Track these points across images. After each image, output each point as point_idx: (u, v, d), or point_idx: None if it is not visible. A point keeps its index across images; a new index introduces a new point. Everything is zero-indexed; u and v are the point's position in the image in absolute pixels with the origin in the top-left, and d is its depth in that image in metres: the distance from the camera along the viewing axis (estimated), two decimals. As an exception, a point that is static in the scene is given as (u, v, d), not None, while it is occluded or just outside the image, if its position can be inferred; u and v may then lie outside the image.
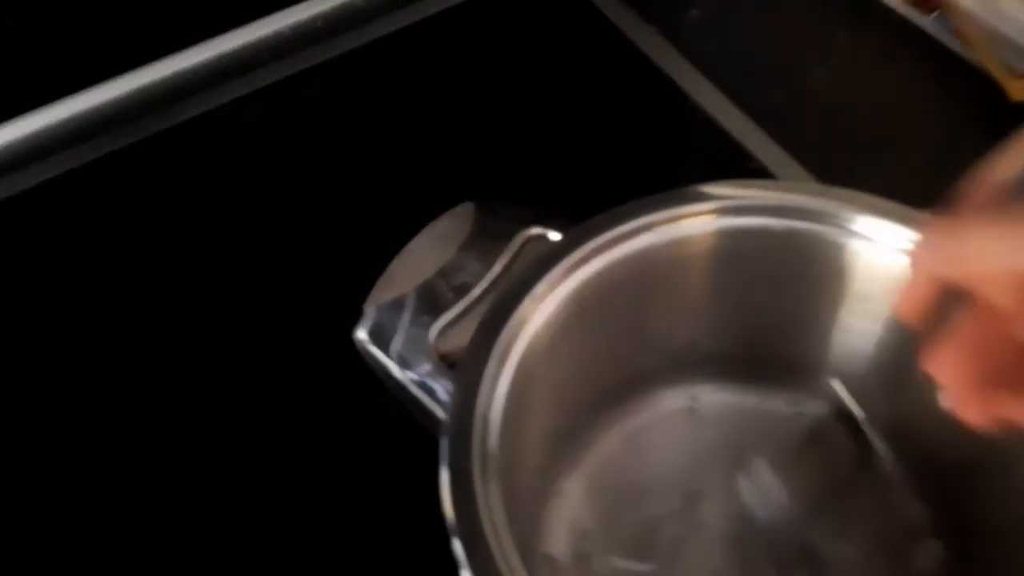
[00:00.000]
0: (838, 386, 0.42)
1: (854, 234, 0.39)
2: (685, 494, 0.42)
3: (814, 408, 0.43)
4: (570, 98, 0.59)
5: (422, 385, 0.39)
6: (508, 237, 0.41)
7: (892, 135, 0.58)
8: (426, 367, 0.39)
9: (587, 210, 0.40)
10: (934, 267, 0.32)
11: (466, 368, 0.36)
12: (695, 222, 0.39)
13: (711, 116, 0.58)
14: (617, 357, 0.42)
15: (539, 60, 0.61)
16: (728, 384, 0.44)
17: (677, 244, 0.40)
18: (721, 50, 0.62)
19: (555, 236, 0.41)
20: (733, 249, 0.40)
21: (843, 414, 0.42)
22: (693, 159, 0.57)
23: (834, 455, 0.42)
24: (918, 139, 0.57)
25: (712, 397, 0.44)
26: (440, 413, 0.38)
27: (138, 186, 0.58)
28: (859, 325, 0.41)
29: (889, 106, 0.59)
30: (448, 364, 0.38)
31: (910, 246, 0.39)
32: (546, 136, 0.57)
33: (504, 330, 0.37)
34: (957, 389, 0.32)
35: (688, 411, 0.44)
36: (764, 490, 0.42)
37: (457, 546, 0.32)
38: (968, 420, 0.33)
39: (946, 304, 0.32)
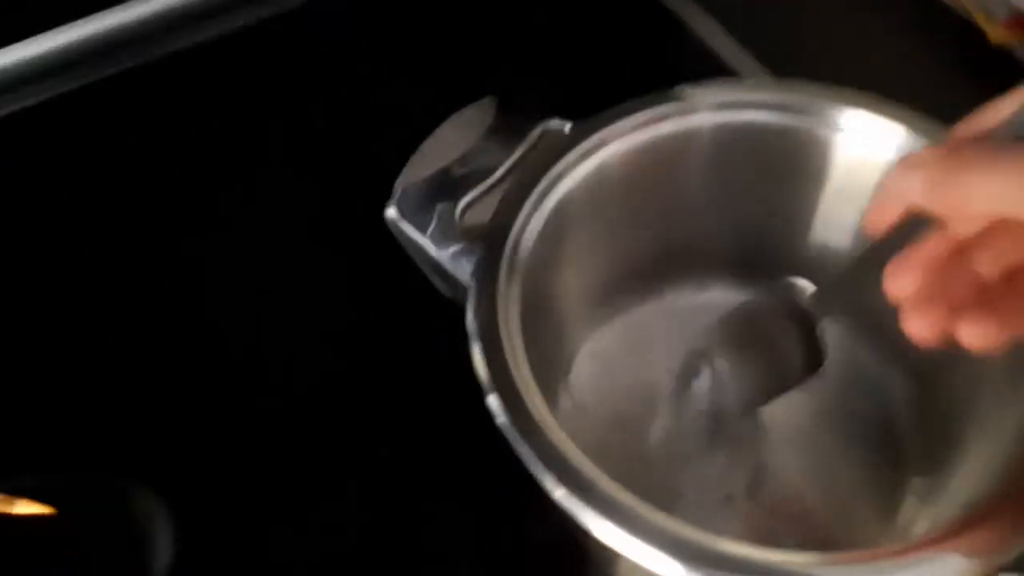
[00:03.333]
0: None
1: (839, 129, 0.43)
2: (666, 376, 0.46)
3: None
4: (582, 21, 0.63)
5: (447, 256, 0.42)
6: (526, 128, 0.44)
7: (878, 74, 0.61)
8: (452, 239, 0.42)
9: (593, 110, 0.44)
10: (921, 196, 0.31)
11: (491, 236, 0.40)
12: (693, 118, 0.43)
13: (702, 37, 0.62)
14: (620, 247, 0.46)
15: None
16: (718, 279, 0.48)
17: (675, 138, 0.43)
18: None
19: (568, 129, 0.44)
20: (728, 143, 0.44)
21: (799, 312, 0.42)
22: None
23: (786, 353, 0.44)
24: (904, 79, 0.61)
25: (700, 292, 0.48)
26: (464, 280, 0.41)
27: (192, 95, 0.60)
28: (840, 217, 0.45)
29: (877, 47, 0.63)
30: (472, 239, 0.42)
31: (891, 141, 0.42)
32: (557, 46, 0.61)
33: (523, 207, 0.41)
34: (910, 304, 0.34)
35: (680, 306, 0.48)
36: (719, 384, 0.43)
37: (493, 400, 0.36)
38: (912, 333, 0.34)
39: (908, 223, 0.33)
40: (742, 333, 0.42)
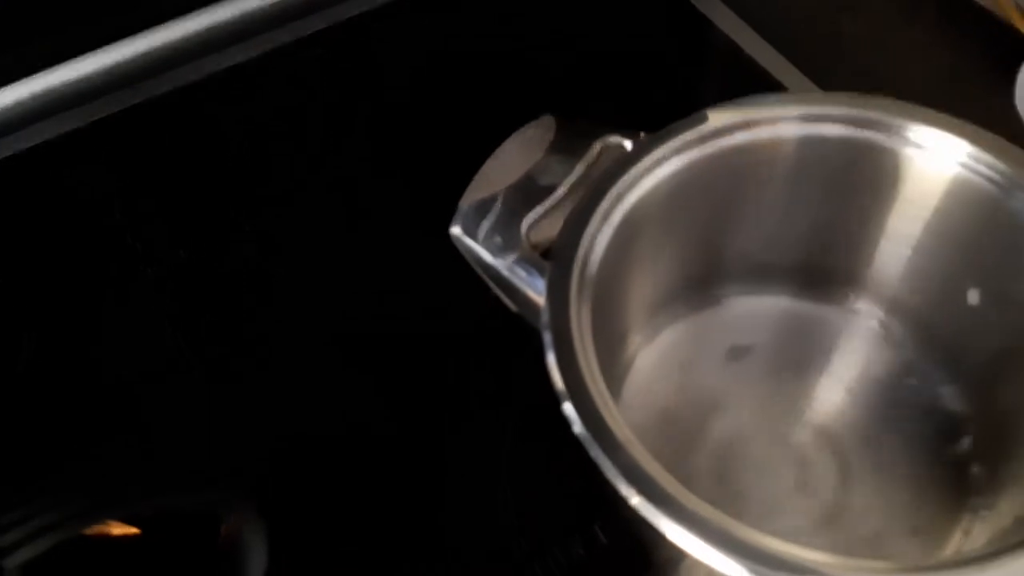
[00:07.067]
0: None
1: (906, 143, 0.43)
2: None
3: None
4: (625, 39, 0.65)
5: (514, 272, 0.43)
6: (587, 144, 0.45)
7: (920, 84, 0.62)
8: (518, 255, 0.43)
9: (645, 125, 0.45)
10: None
11: (561, 250, 0.40)
12: (758, 130, 0.44)
13: (752, 57, 0.63)
14: (681, 256, 0.46)
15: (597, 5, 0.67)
16: (778, 288, 0.49)
17: (740, 151, 0.44)
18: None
19: (629, 144, 0.45)
20: (793, 156, 0.44)
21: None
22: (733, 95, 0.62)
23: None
24: (945, 87, 0.62)
25: (764, 302, 0.49)
26: (532, 295, 0.42)
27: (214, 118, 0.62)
28: (904, 230, 0.45)
29: (915, 53, 0.64)
30: (539, 254, 0.43)
31: (956, 157, 0.43)
32: (609, 64, 0.63)
33: (591, 221, 0.41)
34: None
35: (737, 313, 0.49)
36: None
37: (568, 408, 0.37)
38: None
39: None
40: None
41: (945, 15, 0.65)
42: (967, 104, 0.56)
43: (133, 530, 0.38)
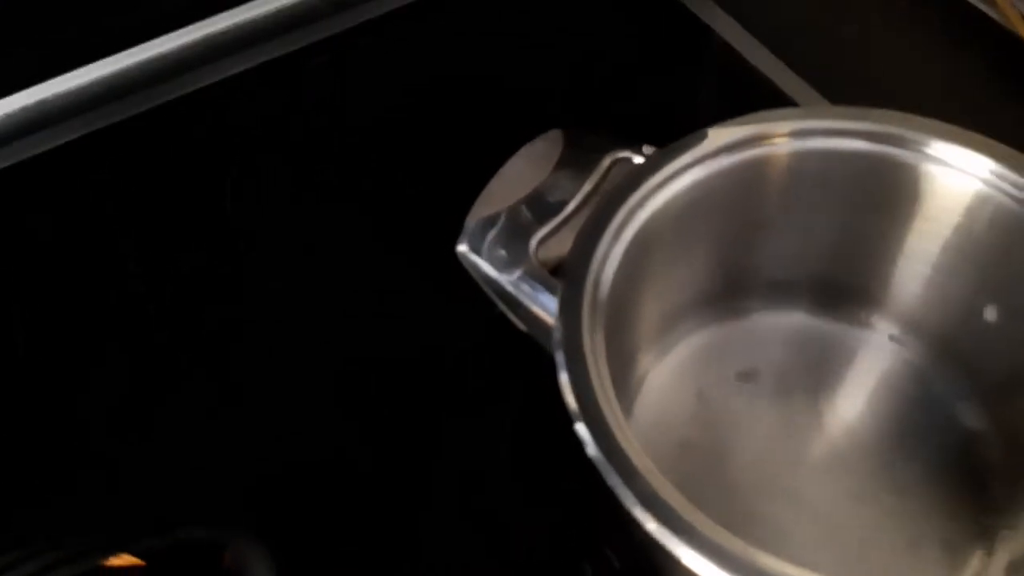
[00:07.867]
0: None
1: (922, 158, 0.43)
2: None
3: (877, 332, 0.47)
4: (627, 50, 0.64)
5: (520, 288, 0.42)
6: (596, 159, 0.44)
7: (919, 84, 0.61)
8: (524, 271, 0.42)
9: (654, 140, 0.44)
10: None
11: (573, 267, 0.39)
12: (771, 144, 0.43)
13: (755, 66, 0.62)
14: (695, 271, 0.45)
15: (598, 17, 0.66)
16: (794, 303, 0.48)
17: (753, 164, 0.43)
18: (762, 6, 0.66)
19: (639, 159, 0.44)
20: (806, 170, 0.43)
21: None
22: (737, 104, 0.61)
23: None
24: (950, 95, 0.61)
25: (779, 319, 0.48)
26: (539, 312, 0.41)
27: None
28: (922, 247, 0.45)
29: (917, 58, 0.63)
30: (548, 271, 0.42)
31: (975, 172, 0.42)
32: (617, 78, 0.62)
33: (603, 238, 0.40)
34: None
35: (751, 328, 0.48)
36: None
37: (581, 428, 0.36)
38: None
39: None
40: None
41: (946, 20, 0.64)
42: (968, 108, 0.56)
43: (138, 562, 0.37)
